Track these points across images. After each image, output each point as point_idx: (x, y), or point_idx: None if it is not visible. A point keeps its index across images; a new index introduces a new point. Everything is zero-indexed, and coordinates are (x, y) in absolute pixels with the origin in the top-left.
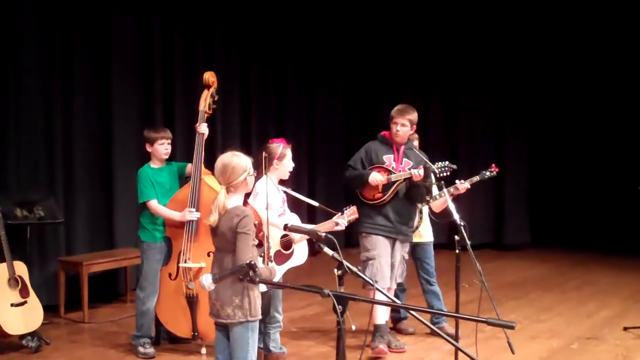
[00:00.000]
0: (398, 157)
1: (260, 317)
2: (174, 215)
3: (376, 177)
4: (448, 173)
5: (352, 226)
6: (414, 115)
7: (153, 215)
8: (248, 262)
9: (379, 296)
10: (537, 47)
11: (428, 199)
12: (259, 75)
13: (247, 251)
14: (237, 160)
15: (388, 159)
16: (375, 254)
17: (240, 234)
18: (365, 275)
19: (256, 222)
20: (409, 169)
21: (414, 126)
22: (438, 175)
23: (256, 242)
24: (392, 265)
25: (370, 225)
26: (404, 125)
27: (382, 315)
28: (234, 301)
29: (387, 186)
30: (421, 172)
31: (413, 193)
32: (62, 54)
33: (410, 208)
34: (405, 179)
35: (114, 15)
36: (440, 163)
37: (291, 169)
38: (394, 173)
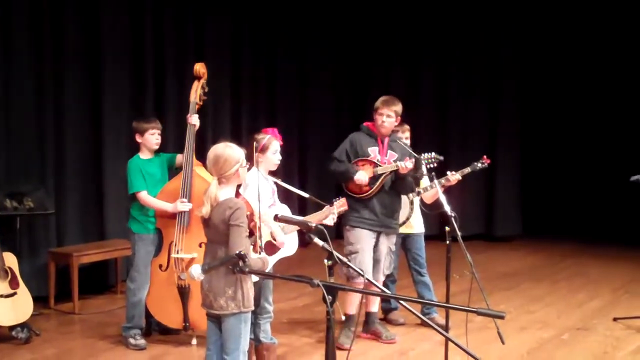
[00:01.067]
0: (383, 149)
1: (252, 308)
2: (166, 206)
3: (361, 178)
4: (435, 164)
5: (342, 218)
6: (399, 107)
7: (143, 207)
8: (238, 252)
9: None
10: (530, 39)
11: (418, 190)
12: (250, 65)
13: (240, 243)
14: (229, 151)
15: (373, 151)
16: (359, 248)
17: (233, 227)
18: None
19: (248, 214)
20: (394, 161)
21: (399, 117)
22: (425, 166)
23: (247, 232)
24: (378, 260)
25: (356, 219)
26: (390, 116)
27: (354, 306)
28: (226, 292)
29: (373, 179)
30: (408, 164)
31: (401, 185)
32: (53, 46)
33: (396, 200)
34: (391, 172)
35: (104, 6)
36: (426, 154)
37: (277, 162)
38: (380, 166)
